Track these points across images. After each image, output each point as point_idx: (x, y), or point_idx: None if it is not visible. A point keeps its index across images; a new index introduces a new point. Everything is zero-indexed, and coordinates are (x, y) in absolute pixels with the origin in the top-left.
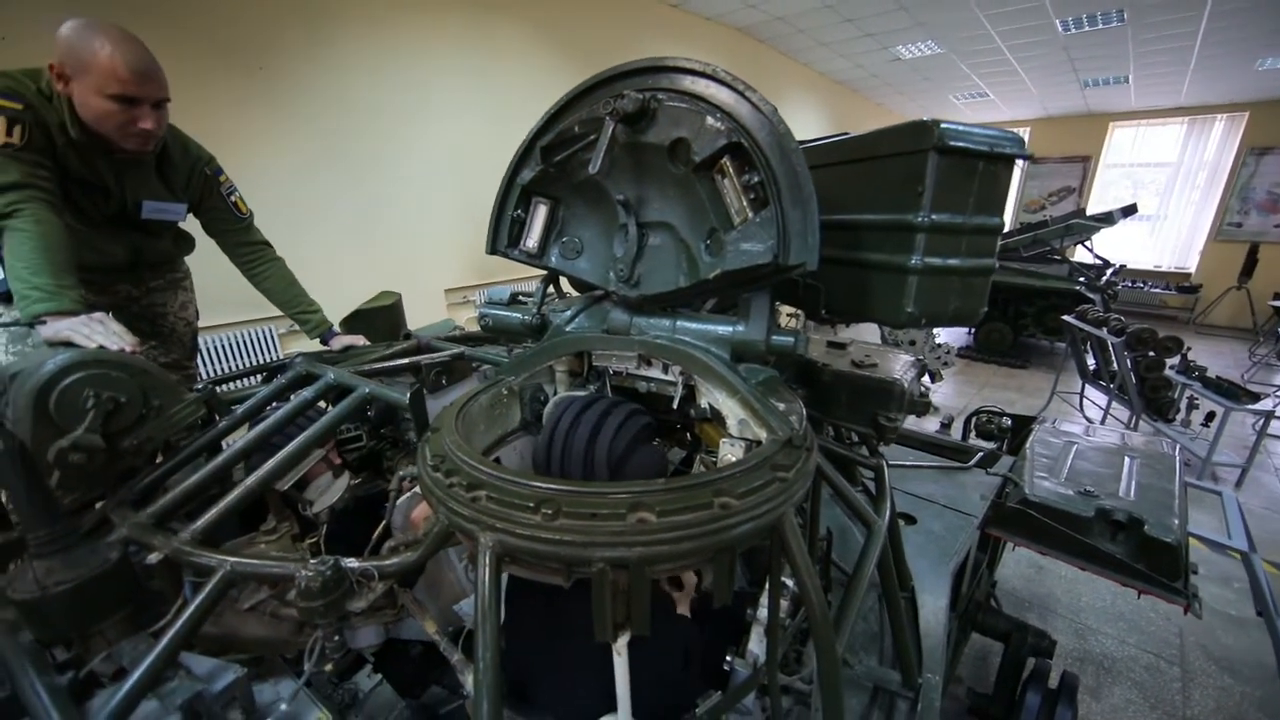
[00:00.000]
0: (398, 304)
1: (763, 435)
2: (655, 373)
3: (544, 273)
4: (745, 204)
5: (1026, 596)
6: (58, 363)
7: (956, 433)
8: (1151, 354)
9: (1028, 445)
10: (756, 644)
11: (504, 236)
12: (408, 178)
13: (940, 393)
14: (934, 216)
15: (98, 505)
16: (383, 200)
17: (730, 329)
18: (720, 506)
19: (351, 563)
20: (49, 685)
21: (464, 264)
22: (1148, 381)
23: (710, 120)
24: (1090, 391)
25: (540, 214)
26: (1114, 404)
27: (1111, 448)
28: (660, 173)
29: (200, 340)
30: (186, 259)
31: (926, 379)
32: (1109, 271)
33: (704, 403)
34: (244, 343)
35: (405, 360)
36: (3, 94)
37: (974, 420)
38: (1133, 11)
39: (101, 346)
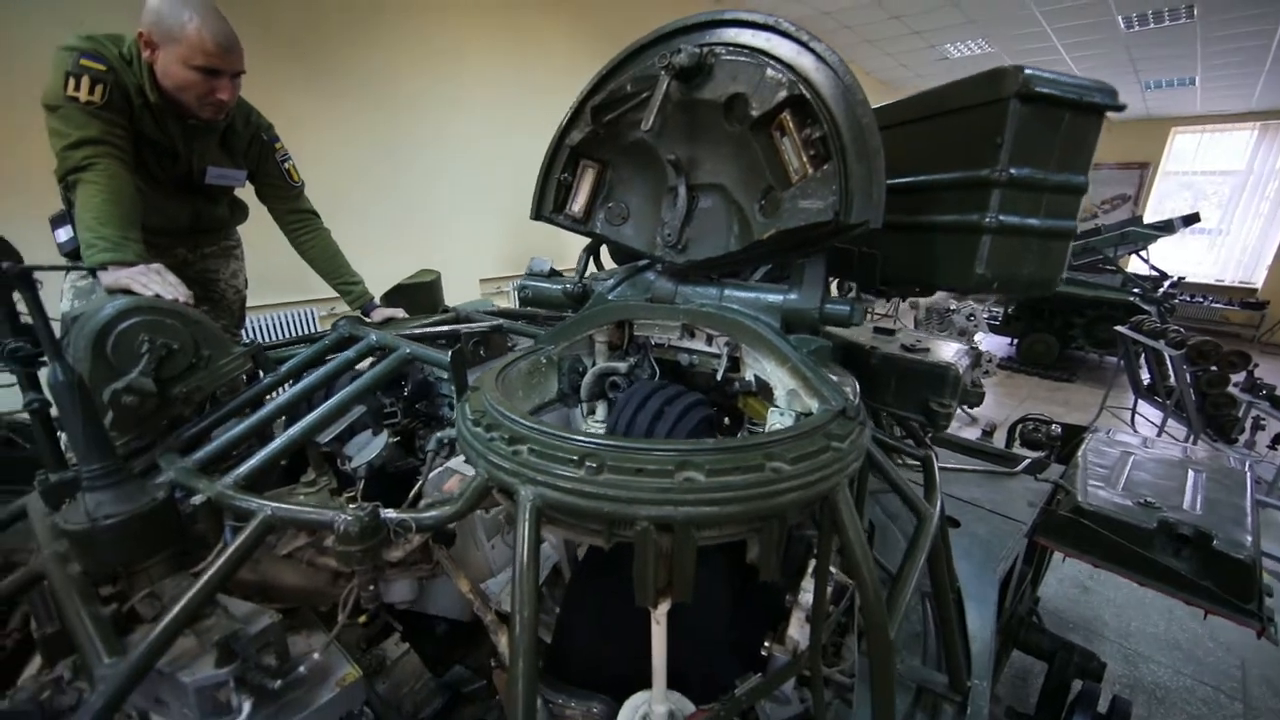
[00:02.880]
0: (437, 281)
1: (814, 406)
2: (698, 345)
3: (581, 259)
4: (805, 160)
5: (1071, 618)
6: (116, 307)
7: (999, 442)
8: (1214, 369)
9: (1080, 454)
10: (797, 630)
11: (549, 200)
12: (448, 169)
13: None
14: (1013, 171)
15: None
16: (424, 189)
17: (781, 297)
18: (771, 470)
19: (390, 513)
20: (93, 614)
21: (500, 254)
22: (1209, 398)
23: (770, 73)
24: (1143, 408)
25: (587, 178)
26: (1170, 422)
27: (1173, 460)
28: (714, 131)
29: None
30: (239, 230)
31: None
32: (1166, 283)
33: (749, 375)
34: (286, 324)
35: (444, 328)
36: (89, 55)
37: (1019, 428)
38: (1203, 7)
39: (158, 295)
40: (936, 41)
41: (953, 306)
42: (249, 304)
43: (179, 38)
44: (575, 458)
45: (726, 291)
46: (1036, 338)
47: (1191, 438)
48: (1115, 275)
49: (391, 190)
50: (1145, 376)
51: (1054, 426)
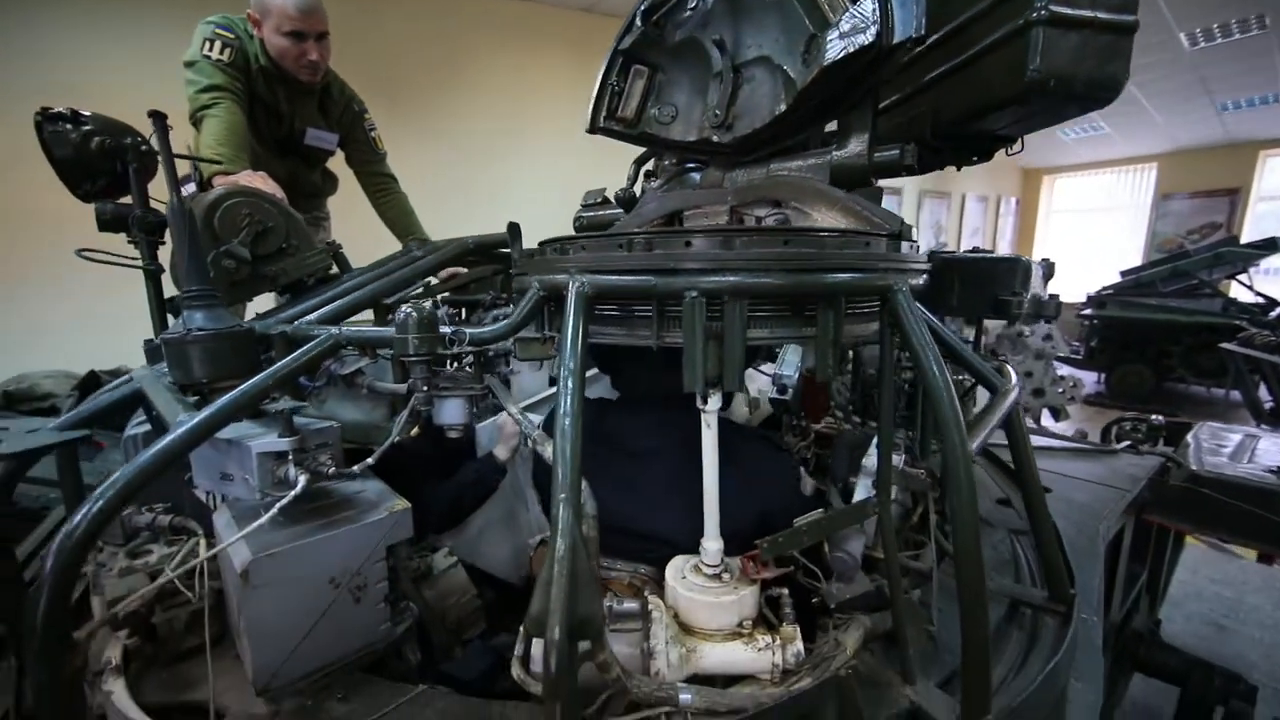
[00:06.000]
0: None
1: None
2: None
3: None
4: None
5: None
6: (226, 188)
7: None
8: None
9: (1189, 436)
10: (863, 494)
11: (603, 109)
12: (510, 203)
13: None
14: None
15: None
16: (487, 218)
17: (827, 157)
18: (825, 251)
19: (446, 327)
20: (179, 399)
21: None
22: None
23: None
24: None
25: (638, 84)
26: None
27: None
28: (756, 7)
29: None
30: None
31: (1049, 418)
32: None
33: None
34: None
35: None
36: (222, 26)
37: (1114, 430)
38: (1276, 15)
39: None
40: None
41: (1026, 331)
42: None
43: (271, 10)
44: (623, 242)
45: (773, 165)
46: (1128, 369)
47: None
48: (1214, 300)
49: (462, 221)
50: (1267, 401)
51: (1156, 417)
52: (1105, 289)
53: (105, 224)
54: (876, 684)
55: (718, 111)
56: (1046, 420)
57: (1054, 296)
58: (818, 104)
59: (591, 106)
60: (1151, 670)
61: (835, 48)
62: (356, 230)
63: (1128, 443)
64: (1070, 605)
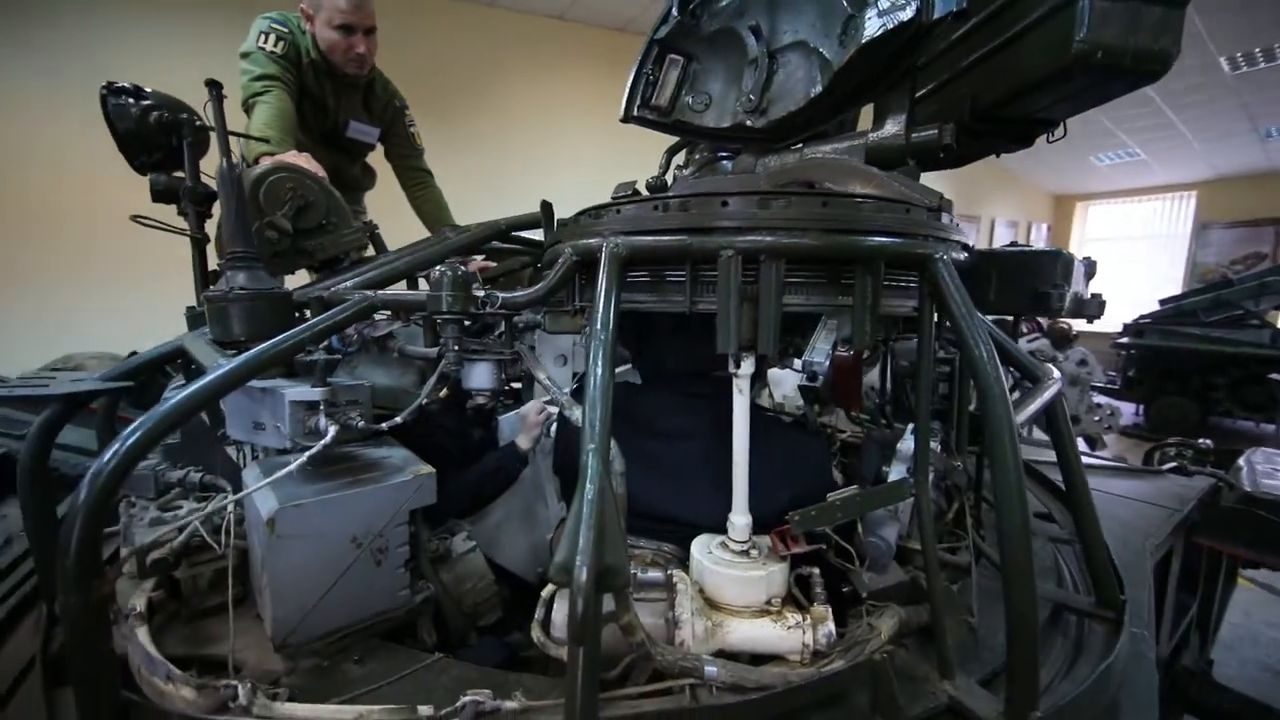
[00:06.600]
0: None
1: None
2: None
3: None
4: None
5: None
6: (273, 162)
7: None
8: None
9: (1241, 460)
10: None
11: (637, 97)
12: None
13: None
14: None
15: None
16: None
17: (863, 139)
18: (862, 215)
19: (479, 290)
20: (219, 351)
21: None
22: None
23: None
24: None
25: (673, 74)
26: None
27: None
28: None
29: None
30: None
31: (1084, 448)
32: None
33: None
34: None
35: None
36: (277, 21)
37: (1157, 455)
38: None
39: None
40: None
41: (1060, 356)
42: None
43: (323, 4)
44: (658, 204)
45: (807, 150)
46: (1169, 401)
47: None
48: (1263, 330)
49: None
50: None
51: (1204, 441)
52: (1143, 317)
53: (158, 195)
54: (913, 677)
55: (752, 96)
56: (1082, 449)
57: (1096, 295)
58: (854, 86)
59: (626, 96)
60: (1203, 712)
61: (873, 25)
62: (395, 230)
63: (1174, 464)
64: (1120, 611)
